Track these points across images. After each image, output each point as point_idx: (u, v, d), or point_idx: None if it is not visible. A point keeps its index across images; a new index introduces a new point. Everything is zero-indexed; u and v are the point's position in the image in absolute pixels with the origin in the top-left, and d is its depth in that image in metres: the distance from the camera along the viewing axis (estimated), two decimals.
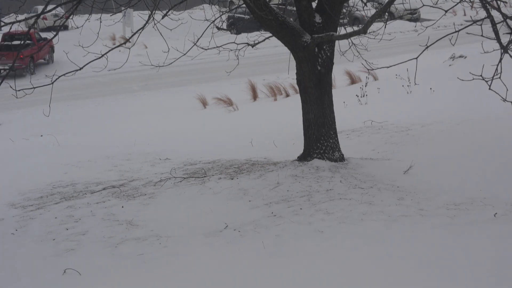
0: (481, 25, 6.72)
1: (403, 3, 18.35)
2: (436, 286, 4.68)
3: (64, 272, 5.47)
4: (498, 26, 6.70)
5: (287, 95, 17.49)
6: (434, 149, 8.90)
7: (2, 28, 21.39)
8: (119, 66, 8.89)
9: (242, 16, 28.03)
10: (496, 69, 6.73)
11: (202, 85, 20.60)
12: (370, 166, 8.14)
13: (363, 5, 9.92)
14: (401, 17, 32.67)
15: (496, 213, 6.02)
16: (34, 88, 7.10)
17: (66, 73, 7.42)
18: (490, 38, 6.64)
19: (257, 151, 10.05)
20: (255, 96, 17.89)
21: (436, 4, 7.47)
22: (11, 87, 6.68)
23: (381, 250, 5.41)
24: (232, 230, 6.24)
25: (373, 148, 9.44)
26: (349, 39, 8.86)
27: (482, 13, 7.36)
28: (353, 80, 18.22)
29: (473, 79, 6.75)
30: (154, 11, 7.65)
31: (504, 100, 6.95)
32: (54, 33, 7.11)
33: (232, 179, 7.87)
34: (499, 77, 6.75)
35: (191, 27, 9.16)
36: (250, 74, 20.31)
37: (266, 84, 18.24)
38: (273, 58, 24.09)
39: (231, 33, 28.98)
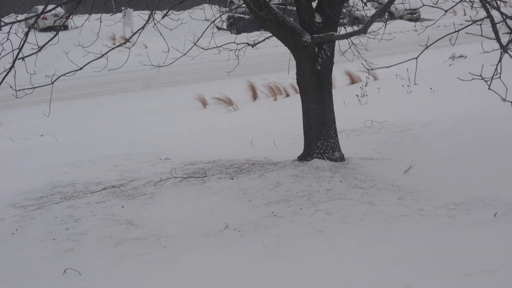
0: (481, 25, 6.72)
1: (403, 3, 18.35)
2: (436, 286, 4.67)
3: (64, 272, 5.47)
4: (498, 26, 6.70)
5: (287, 95, 17.49)
6: (434, 149, 8.90)
7: (2, 28, 21.39)
8: (119, 66, 8.88)
9: (242, 16, 28.02)
10: (496, 69, 6.74)
11: (202, 85, 20.60)
12: (370, 166, 8.14)
13: (363, 5, 9.92)
14: (401, 17, 32.66)
15: (496, 213, 6.02)
16: (34, 88, 7.10)
17: (66, 73, 7.41)
18: (490, 38, 6.64)
19: (257, 151, 10.05)
20: (255, 96, 17.89)
21: (436, 4, 7.47)
22: (11, 87, 6.67)
23: (381, 250, 5.41)
24: (232, 230, 6.24)
25: (373, 148, 9.44)
26: (349, 39, 8.86)
27: (482, 13, 7.36)
28: (353, 80, 18.22)
29: (473, 79, 6.75)
30: (154, 11, 7.65)
31: (504, 100, 6.95)
32: (54, 33, 7.10)
33: (232, 179, 7.88)
34: (499, 77, 6.76)
35: (191, 27, 9.16)
36: (250, 74, 20.31)
37: (266, 84, 18.23)
38: (273, 58, 24.08)
39: (231, 33, 28.97)
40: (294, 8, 8.67)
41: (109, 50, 7.53)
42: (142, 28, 7.64)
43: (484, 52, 7.05)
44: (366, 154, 9.04)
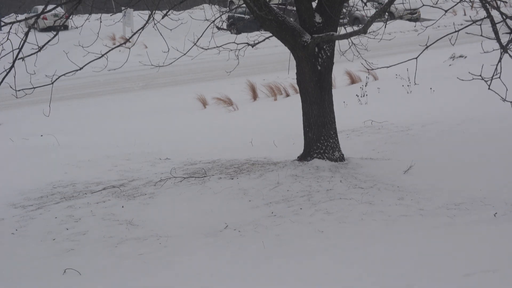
0: (481, 25, 6.72)
1: (403, 3, 18.31)
2: (436, 286, 4.68)
3: (64, 272, 5.47)
4: (498, 26, 6.70)
5: (287, 95, 17.49)
6: (434, 149, 8.90)
7: (2, 28, 21.38)
8: (119, 66, 8.89)
9: (242, 16, 28.02)
10: (496, 69, 6.74)
11: (202, 85, 20.59)
12: (370, 166, 8.14)
13: (363, 5, 9.92)
14: (401, 17, 32.64)
15: (496, 213, 6.02)
16: (34, 88, 7.10)
17: (66, 73, 7.41)
18: (490, 38, 6.64)
19: (257, 151, 10.05)
20: (255, 96, 17.88)
21: (436, 4, 7.47)
22: (11, 87, 6.67)
23: (381, 250, 5.41)
24: (232, 230, 6.24)
25: (373, 148, 9.44)
26: (349, 39, 8.86)
27: (482, 13, 7.35)
28: (353, 80, 18.21)
29: (473, 79, 6.75)
30: (154, 11, 7.65)
31: (504, 100, 6.95)
32: (54, 33, 7.10)
33: (232, 179, 7.88)
34: (499, 77, 6.76)
35: (191, 27, 9.16)
36: (250, 74, 20.30)
37: (266, 84, 18.23)
38: (273, 58, 24.07)
39: (231, 33, 28.95)
40: (294, 8, 8.67)
41: (109, 50, 7.54)
42: (142, 28, 7.64)
43: (484, 52, 7.05)
44: (366, 154, 9.04)
